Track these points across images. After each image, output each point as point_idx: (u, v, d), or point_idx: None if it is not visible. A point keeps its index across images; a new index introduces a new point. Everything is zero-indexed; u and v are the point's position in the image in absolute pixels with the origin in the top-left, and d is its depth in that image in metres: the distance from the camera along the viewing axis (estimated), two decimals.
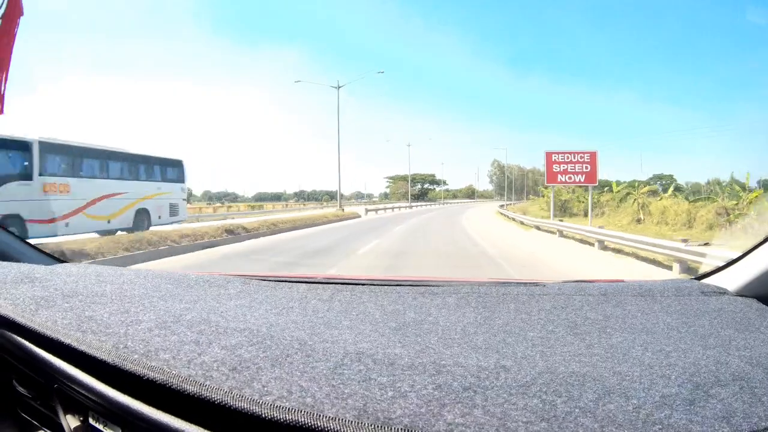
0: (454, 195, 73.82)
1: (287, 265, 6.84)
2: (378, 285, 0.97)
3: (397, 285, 0.96)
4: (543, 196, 32.81)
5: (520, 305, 0.80)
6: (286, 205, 40.74)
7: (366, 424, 0.42)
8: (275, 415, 0.44)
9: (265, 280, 1.03)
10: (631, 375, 0.50)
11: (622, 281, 1.00)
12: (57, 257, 1.19)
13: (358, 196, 66.70)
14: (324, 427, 0.42)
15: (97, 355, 0.57)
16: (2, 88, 0.82)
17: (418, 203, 46.28)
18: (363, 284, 0.97)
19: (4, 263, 1.00)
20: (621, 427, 0.40)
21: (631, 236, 8.20)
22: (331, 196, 66.09)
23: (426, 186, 70.03)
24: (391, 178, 69.45)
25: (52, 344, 0.63)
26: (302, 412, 0.44)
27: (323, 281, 1.03)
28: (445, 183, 70.97)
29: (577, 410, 0.43)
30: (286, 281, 1.02)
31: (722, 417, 0.42)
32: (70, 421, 0.65)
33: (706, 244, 6.30)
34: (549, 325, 0.69)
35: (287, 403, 0.45)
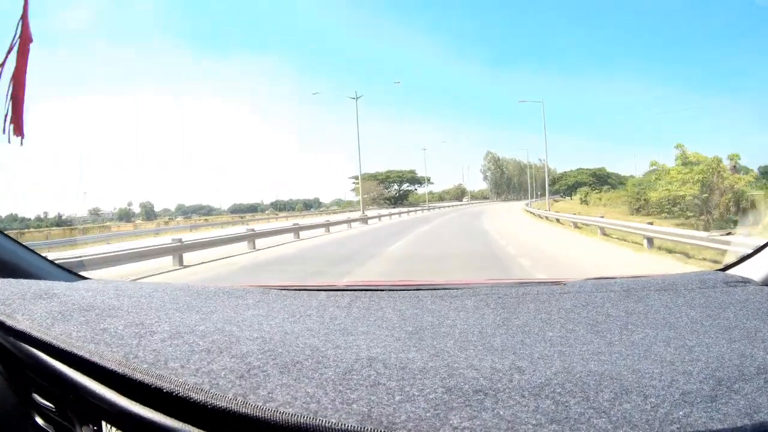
0: (441, 197, 58.13)
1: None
2: (397, 290, 0.97)
3: (417, 289, 0.96)
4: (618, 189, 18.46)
5: (540, 305, 0.80)
6: (167, 222, 32.02)
7: (369, 429, 0.42)
8: (278, 421, 0.45)
9: (285, 289, 1.03)
10: (650, 372, 0.49)
11: (646, 276, 0.98)
12: (78, 273, 1.19)
13: (338, 203, 52.05)
14: None
15: (108, 365, 0.58)
16: (21, 110, 0.86)
17: (388, 210, 29.61)
18: (382, 290, 0.98)
19: (25, 281, 0.96)
20: (636, 427, 0.40)
21: None
22: (307, 205, 51.43)
23: (405, 187, 53.77)
24: (356, 177, 53.04)
25: (67, 356, 0.64)
26: (305, 418, 0.44)
27: (343, 288, 1.04)
28: (429, 181, 54.70)
29: (591, 411, 0.42)
30: (306, 290, 1.02)
31: (745, 414, 0.41)
32: (85, 431, 0.67)
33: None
34: (569, 324, 0.68)
35: (291, 409, 0.45)
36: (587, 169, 48.00)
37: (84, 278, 1.17)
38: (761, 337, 0.58)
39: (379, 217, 21.26)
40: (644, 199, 17.10)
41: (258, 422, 0.45)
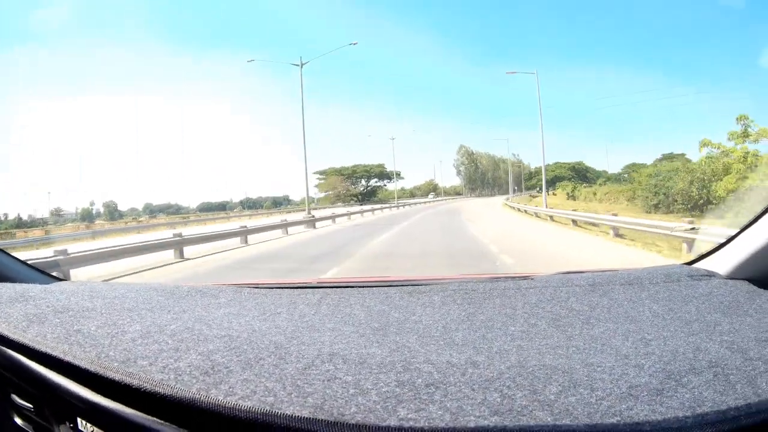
0: (412, 193, 54.19)
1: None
2: (367, 286, 0.97)
3: (386, 286, 0.96)
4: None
5: (506, 300, 0.80)
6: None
7: (320, 421, 0.44)
8: (236, 414, 0.47)
9: (257, 287, 1.03)
10: (602, 366, 0.50)
11: (613, 270, 0.97)
12: (54, 275, 1.20)
13: (310, 201, 47.05)
14: (280, 424, 0.45)
15: (81, 364, 0.60)
16: None
17: (347, 209, 25.10)
18: (352, 286, 0.98)
19: (1, 284, 0.99)
20: (576, 419, 0.41)
21: None
22: (276, 203, 47.91)
23: (373, 182, 49.22)
24: (322, 172, 48.04)
25: (42, 357, 0.66)
26: (260, 411, 0.46)
27: (314, 285, 1.04)
28: (398, 176, 50.24)
29: (535, 403, 0.43)
30: (277, 287, 1.02)
31: (688, 407, 0.42)
32: (62, 429, 0.68)
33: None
34: (532, 319, 0.69)
35: (248, 403, 0.47)
36: (565, 163, 45.30)
37: (58, 279, 1.17)
38: (719, 330, 0.59)
39: (333, 218, 16.60)
40: (664, 194, 13.51)
41: (218, 415, 0.48)
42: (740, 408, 0.42)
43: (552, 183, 43.27)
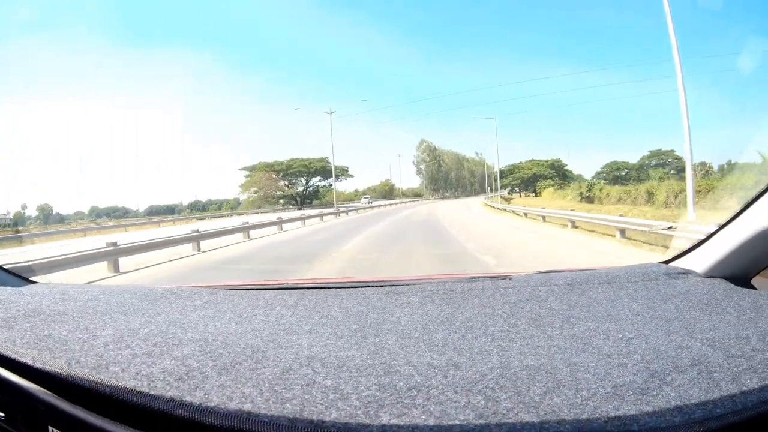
0: (365, 195, 45.13)
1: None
2: (344, 287, 0.95)
3: (364, 286, 0.94)
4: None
5: (485, 300, 0.79)
6: None
7: (299, 428, 0.42)
8: (212, 421, 0.45)
9: (233, 289, 1.00)
10: (585, 366, 0.50)
11: (591, 269, 0.97)
12: (26, 278, 1.14)
13: (234, 204, 38.50)
14: (258, 431, 0.43)
15: (50, 370, 0.58)
16: None
17: (196, 227, 15.30)
18: (329, 287, 0.95)
19: None
20: (563, 421, 0.40)
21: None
22: (221, 206, 39.08)
23: (315, 181, 39.47)
24: (250, 168, 37.72)
25: (11, 363, 0.63)
26: (238, 418, 0.44)
27: (291, 287, 1.01)
28: (346, 173, 40.80)
29: (520, 405, 0.43)
30: (254, 289, 0.99)
31: (675, 406, 0.41)
32: None
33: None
34: (512, 318, 0.69)
35: (225, 409, 0.46)
36: (542, 161, 38.19)
37: (31, 282, 1.12)
38: (699, 328, 0.59)
39: (113, 254, 6.60)
40: None
41: (192, 423, 0.46)
42: (726, 406, 0.42)
43: (532, 182, 36.27)
